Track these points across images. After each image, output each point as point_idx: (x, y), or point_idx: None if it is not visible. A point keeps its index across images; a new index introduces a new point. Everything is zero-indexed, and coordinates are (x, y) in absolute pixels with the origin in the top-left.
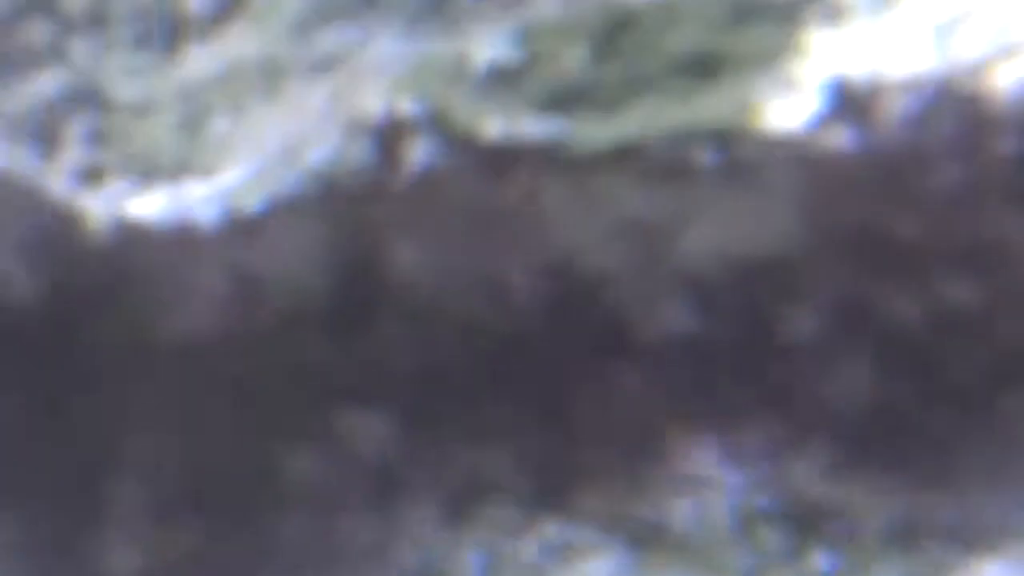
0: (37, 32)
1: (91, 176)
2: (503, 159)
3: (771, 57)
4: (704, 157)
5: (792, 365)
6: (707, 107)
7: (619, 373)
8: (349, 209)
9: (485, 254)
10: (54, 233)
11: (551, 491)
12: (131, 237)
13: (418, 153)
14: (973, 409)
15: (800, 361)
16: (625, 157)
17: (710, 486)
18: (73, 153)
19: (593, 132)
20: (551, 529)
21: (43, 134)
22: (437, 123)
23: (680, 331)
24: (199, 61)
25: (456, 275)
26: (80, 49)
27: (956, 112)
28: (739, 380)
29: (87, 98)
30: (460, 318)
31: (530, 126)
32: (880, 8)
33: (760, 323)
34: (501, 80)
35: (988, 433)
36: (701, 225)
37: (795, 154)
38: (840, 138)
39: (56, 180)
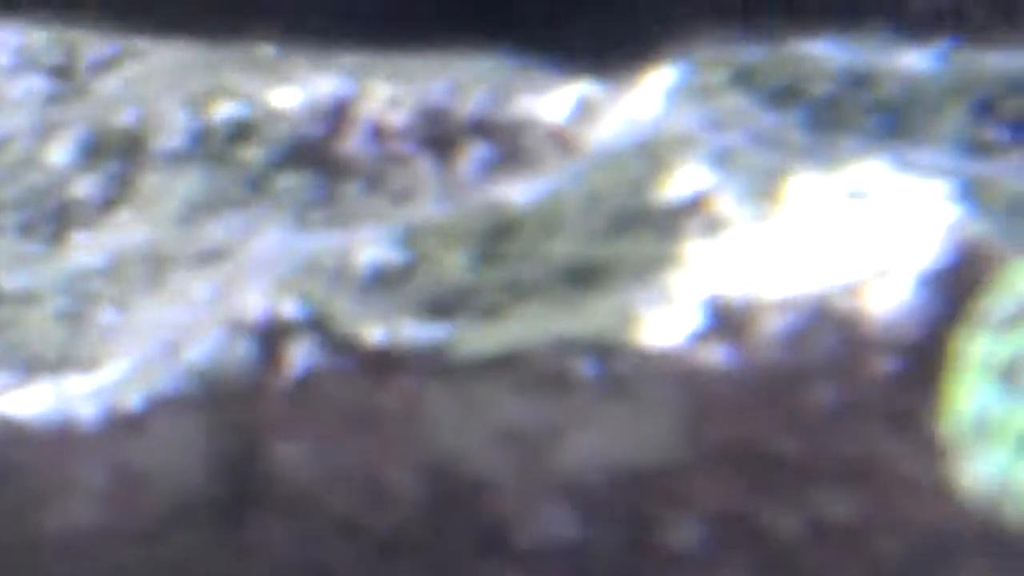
0: None
1: None
2: (384, 363)
3: (650, 269)
4: (584, 368)
5: (672, 573)
6: (587, 318)
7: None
8: (230, 408)
9: (366, 455)
10: None
11: None
12: (9, 434)
13: (300, 355)
14: None
15: (680, 569)
16: (507, 365)
17: None
18: None
19: (475, 339)
20: None
21: None
22: (319, 326)
23: (560, 536)
24: (85, 250)
25: (337, 475)
26: None
27: (833, 332)
28: None
29: None
30: (340, 516)
31: (412, 331)
32: (758, 222)
33: (640, 531)
34: (384, 282)
35: None
36: (581, 434)
37: (673, 369)
38: (718, 355)
39: None
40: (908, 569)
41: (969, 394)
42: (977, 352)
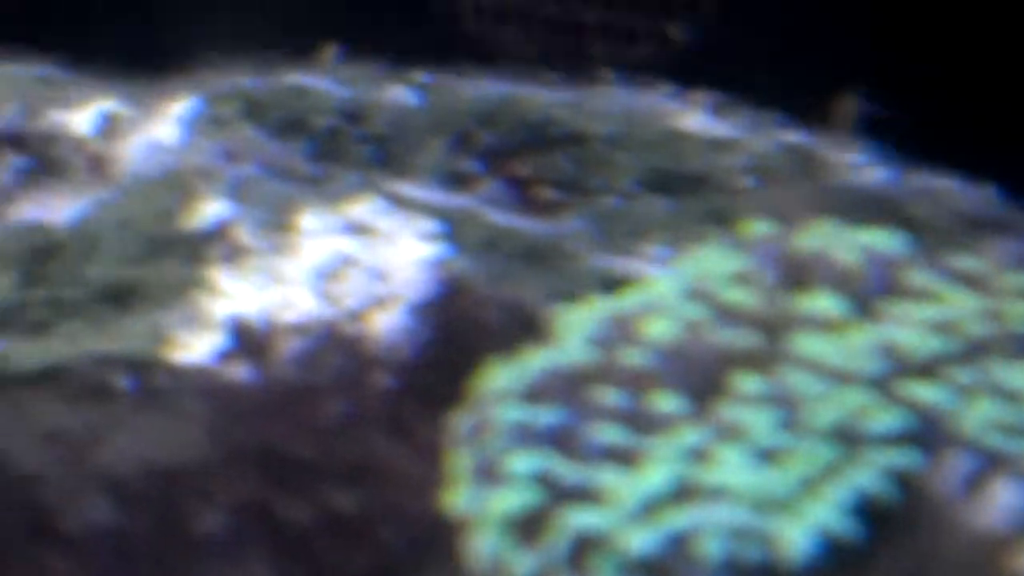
0: None
1: None
2: None
3: (179, 292)
4: (122, 381)
5: (201, 559)
6: (124, 336)
7: (48, 558)
8: None
9: None
10: None
11: None
12: None
13: None
14: None
15: (208, 556)
16: (52, 377)
17: None
18: None
19: (24, 353)
20: None
21: None
22: None
23: (100, 524)
24: None
25: None
26: None
27: (340, 352)
28: (154, 571)
29: None
30: None
31: None
32: (274, 251)
33: (172, 520)
34: None
35: None
36: (120, 437)
37: (201, 383)
38: (240, 372)
39: None
40: (405, 552)
41: (457, 492)
42: (456, 459)
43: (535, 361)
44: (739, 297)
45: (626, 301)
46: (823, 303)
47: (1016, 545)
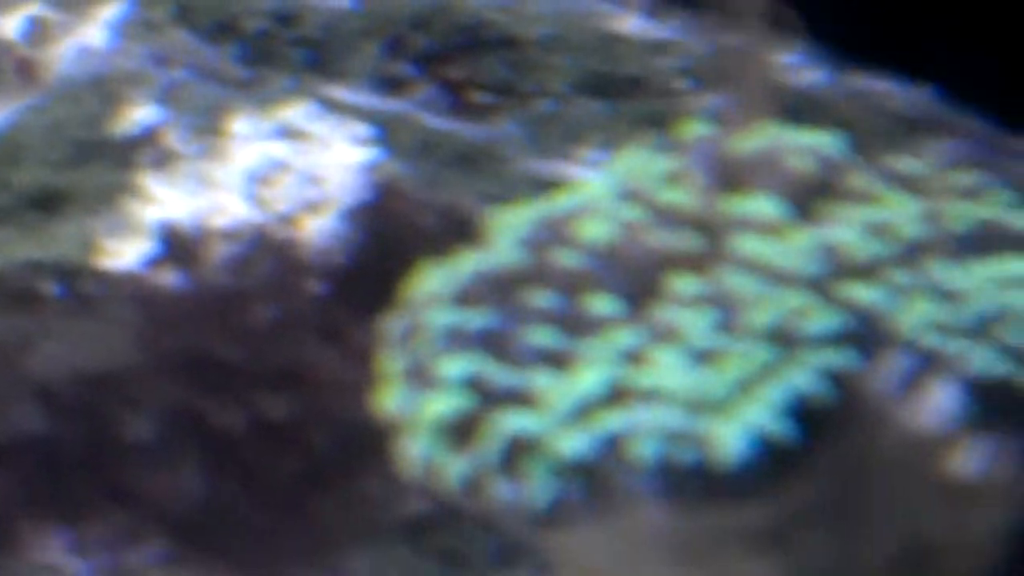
0: None
1: None
2: None
3: (108, 198)
4: (51, 288)
5: (131, 466)
6: (53, 243)
7: None
8: None
9: None
10: None
11: None
12: None
13: None
14: (289, 506)
15: (139, 462)
16: None
17: (60, 575)
18: None
19: None
20: None
21: None
22: None
23: (30, 432)
24: None
25: None
26: None
27: (271, 258)
28: (84, 478)
29: None
30: None
31: None
32: (204, 156)
33: (103, 428)
34: None
35: (301, 528)
36: (50, 344)
37: (131, 290)
38: (170, 278)
39: None
40: (336, 457)
41: (388, 395)
42: (387, 362)
43: (467, 264)
44: (675, 198)
45: (559, 203)
46: (761, 205)
47: (952, 445)
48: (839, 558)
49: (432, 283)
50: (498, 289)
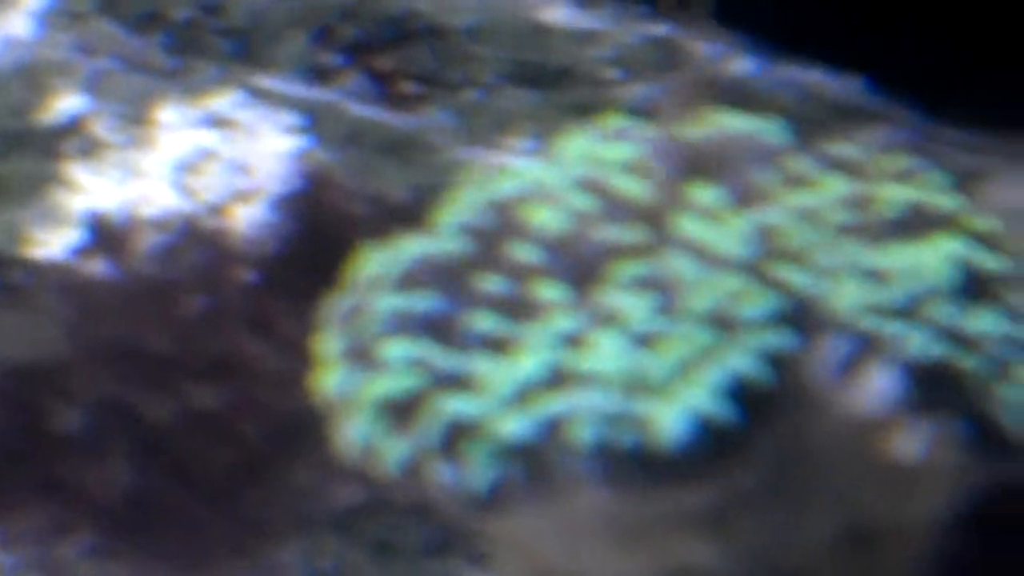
0: None
1: None
2: None
3: (35, 188)
4: None
5: (61, 458)
6: None
7: None
8: None
9: None
10: None
11: None
12: None
13: None
14: (218, 497)
15: (68, 454)
16: None
17: None
18: None
19: None
20: None
21: None
22: None
23: None
24: None
25: None
26: None
27: (200, 247)
28: (12, 470)
29: None
30: None
31: None
32: (132, 146)
33: (32, 420)
34: None
35: (232, 519)
36: None
37: (59, 280)
38: (98, 267)
39: None
40: (267, 448)
41: (328, 375)
42: (329, 342)
43: (411, 248)
44: (628, 187)
45: (506, 187)
46: (704, 192)
47: (892, 428)
48: (779, 541)
49: (375, 266)
50: (443, 274)
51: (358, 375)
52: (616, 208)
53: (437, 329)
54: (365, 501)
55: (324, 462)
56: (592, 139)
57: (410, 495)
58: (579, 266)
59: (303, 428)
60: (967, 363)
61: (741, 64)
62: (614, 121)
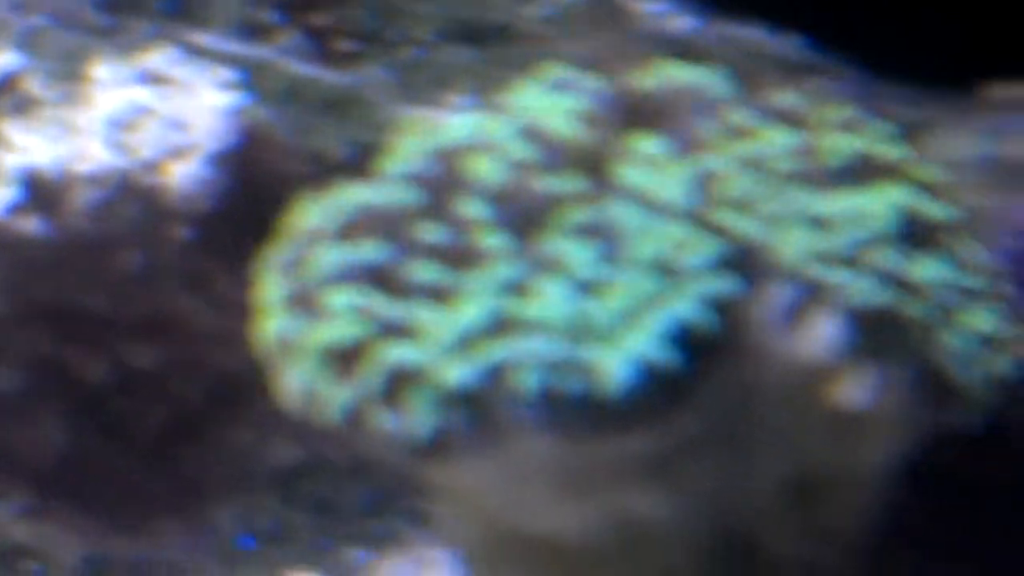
0: None
1: None
2: None
3: None
4: None
5: None
6: None
7: None
8: None
9: None
10: None
11: None
12: None
13: None
14: (156, 457)
15: (1, 415)
16: None
17: None
18: None
19: None
20: None
21: None
22: None
23: None
24: None
25: None
26: None
27: (136, 204)
28: None
29: None
30: None
31: None
32: (66, 102)
33: None
34: None
35: (169, 479)
36: None
37: None
38: (33, 225)
39: None
40: (204, 407)
41: (270, 322)
42: (270, 289)
43: (352, 196)
44: (569, 134)
45: (450, 135)
46: (647, 142)
47: (837, 374)
48: (725, 488)
49: (316, 215)
50: (384, 222)
51: (301, 322)
52: (558, 156)
53: (380, 278)
54: (304, 460)
55: (262, 421)
56: (536, 90)
57: (349, 453)
58: (521, 214)
59: (240, 387)
60: (912, 310)
61: (682, 21)
62: (557, 72)
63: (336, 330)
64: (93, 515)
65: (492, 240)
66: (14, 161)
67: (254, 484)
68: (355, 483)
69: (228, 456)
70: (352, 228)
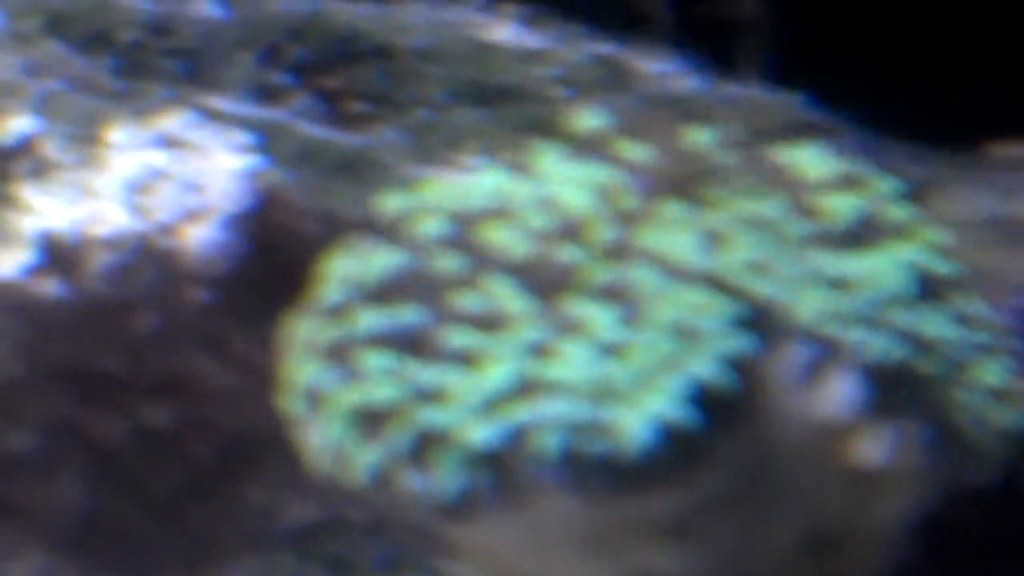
0: None
1: None
2: None
3: None
4: None
5: (12, 478)
6: None
7: None
8: None
9: None
10: None
11: None
12: None
13: None
14: (172, 516)
15: (19, 475)
16: None
17: None
18: None
19: None
20: None
21: None
22: None
23: None
24: None
25: None
26: None
27: (153, 267)
28: None
29: None
30: None
31: None
32: (83, 166)
33: None
34: None
35: (187, 537)
36: None
37: (11, 299)
38: (50, 287)
39: None
40: (220, 467)
41: (300, 371)
42: (305, 335)
43: (378, 259)
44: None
45: (474, 199)
46: (668, 208)
47: (855, 433)
48: (743, 547)
49: (347, 274)
50: (416, 286)
51: (333, 376)
52: (576, 223)
53: (411, 340)
54: (321, 518)
55: (279, 480)
56: (556, 156)
57: (368, 511)
58: (544, 280)
59: (256, 447)
60: (926, 367)
61: (686, 81)
62: (584, 138)
63: (370, 391)
64: (110, 574)
65: (518, 304)
66: (32, 224)
67: (270, 542)
68: (371, 540)
69: (244, 515)
70: (383, 290)
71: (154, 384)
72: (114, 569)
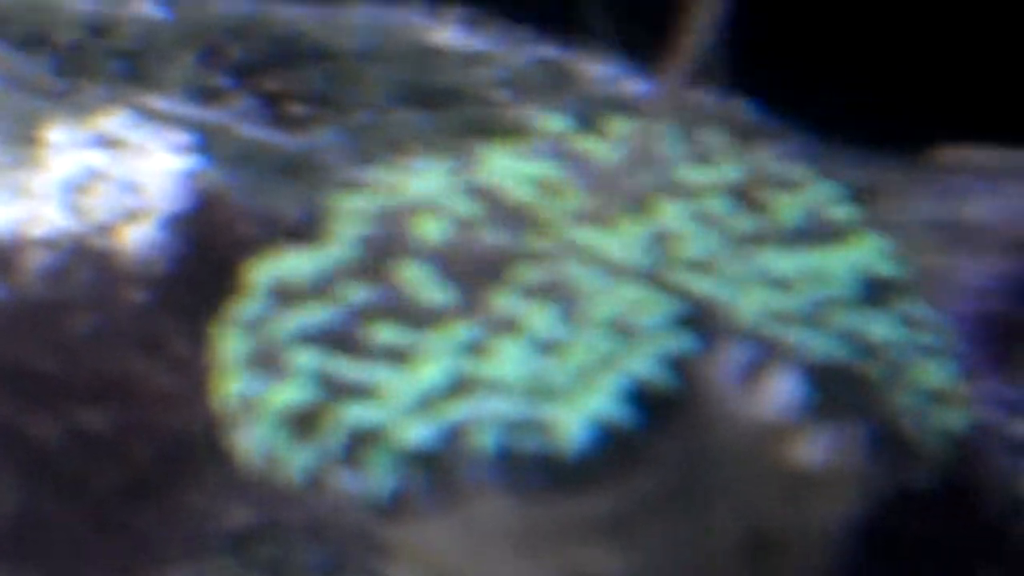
0: None
1: None
2: None
3: None
4: None
5: None
6: None
7: None
8: None
9: None
10: None
11: None
12: None
13: None
14: (109, 519)
15: None
16: None
17: None
18: None
19: None
20: None
21: None
22: None
23: None
24: None
25: None
26: None
27: (90, 267)
28: None
29: None
30: None
31: None
32: (20, 166)
33: None
34: None
35: (123, 540)
36: None
37: None
38: None
39: None
40: (157, 469)
41: (229, 380)
42: (231, 346)
43: (308, 259)
44: (520, 195)
45: (398, 197)
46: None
47: (793, 433)
48: (680, 547)
49: (274, 276)
50: (338, 284)
51: (261, 382)
52: (510, 216)
53: (338, 339)
54: (259, 521)
55: (218, 483)
56: (500, 156)
57: (305, 514)
58: (468, 270)
59: (194, 449)
60: (868, 369)
61: (631, 84)
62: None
63: (294, 393)
64: None
65: (437, 296)
66: None
67: (208, 545)
68: (309, 544)
69: (181, 518)
70: (309, 291)
71: (91, 385)
72: (48, 572)
